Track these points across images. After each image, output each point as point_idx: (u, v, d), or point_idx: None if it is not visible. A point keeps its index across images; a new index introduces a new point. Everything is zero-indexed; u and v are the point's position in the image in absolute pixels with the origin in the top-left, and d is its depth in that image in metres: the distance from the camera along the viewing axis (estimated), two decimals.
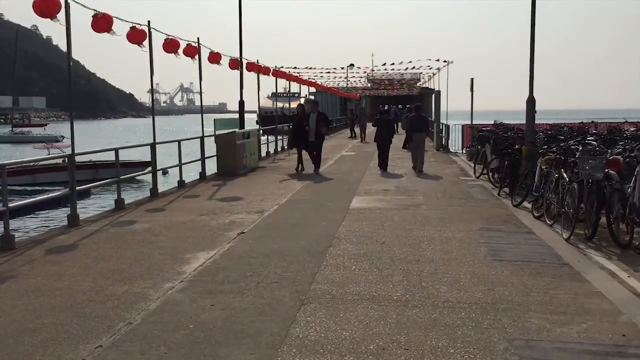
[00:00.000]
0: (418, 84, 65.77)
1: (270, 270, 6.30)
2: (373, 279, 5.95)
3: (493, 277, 5.99)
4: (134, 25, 10.86)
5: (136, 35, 10.98)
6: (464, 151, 22.81)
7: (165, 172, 24.37)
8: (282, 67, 25.14)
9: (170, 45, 12.69)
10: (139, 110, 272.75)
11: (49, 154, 29.58)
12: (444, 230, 8.32)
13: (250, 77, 22.64)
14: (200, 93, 15.38)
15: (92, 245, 7.70)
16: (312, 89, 45.53)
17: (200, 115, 15.43)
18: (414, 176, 15.10)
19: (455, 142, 24.09)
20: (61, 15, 8.53)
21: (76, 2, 8.84)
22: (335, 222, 8.97)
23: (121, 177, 11.19)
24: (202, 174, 15.16)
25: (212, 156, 16.00)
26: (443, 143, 24.43)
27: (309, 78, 32.80)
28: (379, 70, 32.85)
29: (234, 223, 9.05)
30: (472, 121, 20.26)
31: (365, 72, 42.45)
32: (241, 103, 18.79)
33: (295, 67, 27.06)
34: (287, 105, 41.70)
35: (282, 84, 39.28)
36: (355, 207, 10.30)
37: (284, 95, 39.70)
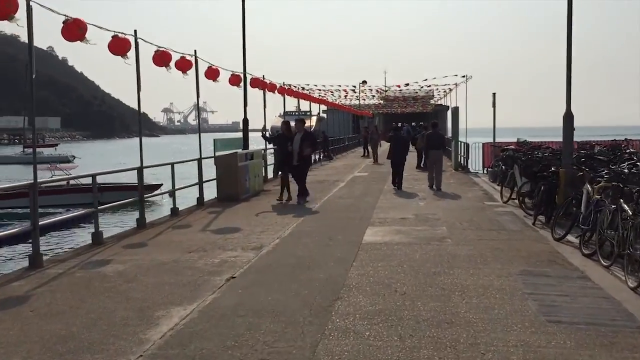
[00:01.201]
0: (432, 101, 64.36)
1: (258, 339, 4.84)
2: (393, 355, 4.47)
3: (554, 353, 4.48)
4: (116, 33, 9.58)
5: (119, 46, 9.68)
6: (485, 172, 21.27)
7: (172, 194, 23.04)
8: (290, 84, 23.84)
9: (161, 58, 11.40)
10: (152, 130, 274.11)
11: (52, 176, 28.57)
12: (478, 274, 6.82)
13: (259, 94, 21.51)
14: (198, 110, 14.08)
15: (46, 297, 6.29)
16: (324, 107, 44.32)
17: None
18: (434, 200, 13.61)
19: (475, 162, 22.56)
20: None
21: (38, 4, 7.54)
22: (345, 262, 7.50)
23: (99, 206, 9.79)
24: (200, 199, 13.78)
25: (212, 179, 14.65)
26: (462, 163, 22.91)
27: (319, 96, 31.50)
28: (391, 87, 31.22)
29: (225, 263, 7.62)
30: (494, 139, 18.78)
31: (377, 89, 40.97)
32: (245, 121, 17.46)
33: (307, 84, 25.78)
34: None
35: (293, 102, 38.11)
36: (369, 242, 8.83)
37: (295, 113, 38.47)
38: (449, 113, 50.80)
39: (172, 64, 11.69)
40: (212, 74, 14.30)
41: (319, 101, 31.47)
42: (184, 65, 12.58)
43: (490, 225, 10.15)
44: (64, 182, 25.83)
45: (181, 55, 12.50)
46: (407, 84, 31.82)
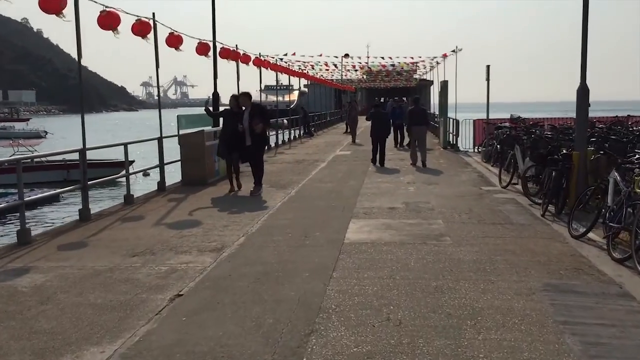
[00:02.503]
0: (415, 76, 62.73)
1: None
2: None
3: None
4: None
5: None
6: (476, 150, 19.88)
7: (146, 173, 21.45)
8: (267, 55, 22.07)
9: (107, 20, 9.69)
10: (131, 104, 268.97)
11: (14, 153, 26.63)
12: (490, 290, 5.37)
13: (243, 68, 19.97)
14: (158, 83, 12.36)
15: None
16: (305, 81, 42.51)
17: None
18: (425, 184, 12.15)
19: (465, 140, 21.12)
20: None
21: None
22: (323, 271, 6.01)
23: (31, 197, 8.16)
24: (161, 184, 12.15)
25: (176, 161, 13.03)
26: (451, 140, 21.49)
27: (299, 69, 29.73)
28: (375, 59, 29.38)
29: (174, 273, 6.09)
30: (487, 115, 17.34)
31: (360, 63, 39.10)
32: (215, 95, 15.76)
33: (285, 55, 23.94)
34: (281, 98, 38.72)
35: (273, 76, 36.20)
36: (353, 240, 7.34)
37: (276, 88, 36.71)
38: (433, 88, 49.33)
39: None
40: (174, 41, 12.55)
41: (299, 75, 29.67)
42: (141, 29, 10.93)
43: (494, 217, 8.71)
44: (44, 159, 24.25)
45: (137, 18, 10.85)
46: (390, 57, 30.01)
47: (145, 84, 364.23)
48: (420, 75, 59.04)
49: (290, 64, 27.03)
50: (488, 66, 16.84)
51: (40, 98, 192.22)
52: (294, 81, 42.74)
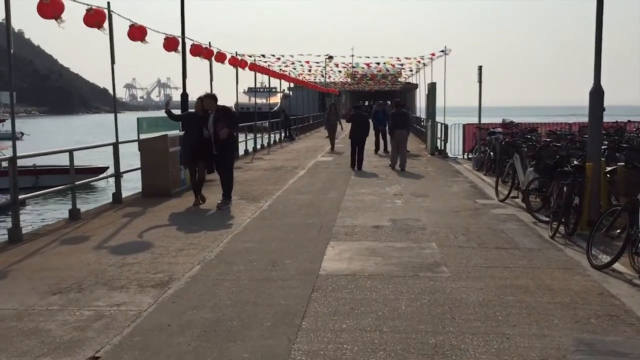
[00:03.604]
0: (400, 79, 61.68)
1: None
2: None
3: None
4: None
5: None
6: (466, 157, 18.70)
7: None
8: (244, 54, 20.68)
9: (50, 8, 8.32)
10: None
11: None
12: (507, 350, 4.08)
13: (226, 69, 19.19)
14: (113, 80, 10.94)
15: None
16: (289, 84, 41.18)
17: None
18: (413, 197, 10.89)
19: (454, 146, 19.92)
20: None
21: None
22: (290, 318, 4.70)
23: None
24: (116, 196, 10.74)
25: (135, 170, 11.66)
26: (439, 146, 20.29)
27: (280, 69, 28.34)
28: (360, 58, 27.97)
29: (99, 320, 4.73)
30: (480, 119, 16.15)
31: (344, 64, 37.60)
32: (184, 96, 14.38)
33: (263, 55, 22.52)
34: (264, 101, 37.26)
35: (256, 77, 34.75)
36: (330, 272, 6.04)
37: (262, 90, 35.34)
38: (419, 91, 48.25)
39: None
40: (136, 33, 11.18)
41: (279, 76, 28.27)
42: (97, 19, 9.60)
43: (496, 239, 7.45)
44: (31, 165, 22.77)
45: (89, 7, 9.50)
46: (376, 57, 28.70)
47: (128, 86, 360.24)
48: (405, 78, 58.03)
49: (270, 64, 25.66)
50: (480, 67, 15.65)
51: (20, 99, 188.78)
52: (277, 84, 41.48)
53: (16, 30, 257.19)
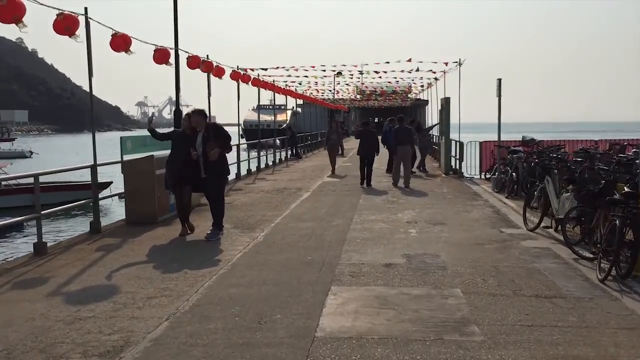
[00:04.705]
0: (410, 95, 60.48)
1: None
2: None
3: None
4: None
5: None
6: (483, 177, 17.37)
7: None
8: (246, 69, 19.52)
9: (8, 11, 7.20)
10: (125, 124, 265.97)
11: None
12: None
13: (230, 85, 18.45)
14: (91, 89, 9.78)
15: None
16: (296, 100, 40.11)
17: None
18: (429, 224, 9.60)
19: (470, 165, 18.60)
20: None
21: None
22: None
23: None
24: (95, 224, 9.51)
25: (116, 195, 10.48)
26: (454, 165, 18.99)
27: (286, 85, 27.22)
28: (369, 73, 26.64)
29: None
30: (499, 137, 14.87)
31: (351, 77, 35.99)
32: (177, 113, 13.21)
33: (265, 69, 21.33)
34: (272, 118, 36.23)
35: (265, 94, 33.71)
36: (330, 333, 4.75)
37: (271, 107, 34.28)
38: (429, 107, 47.00)
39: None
40: (119, 43, 10.07)
41: (284, 92, 27.17)
42: (68, 25, 8.51)
43: (534, 284, 6.14)
44: (11, 182, 21.82)
45: (60, 11, 8.42)
46: (385, 72, 27.36)
47: (140, 104, 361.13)
48: (415, 94, 56.86)
49: (275, 80, 24.53)
50: (499, 80, 14.36)
51: (33, 117, 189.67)
52: (284, 100, 40.40)
53: (30, 50, 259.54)
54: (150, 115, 9.74)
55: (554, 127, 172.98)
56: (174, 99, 13.96)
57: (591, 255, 7.06)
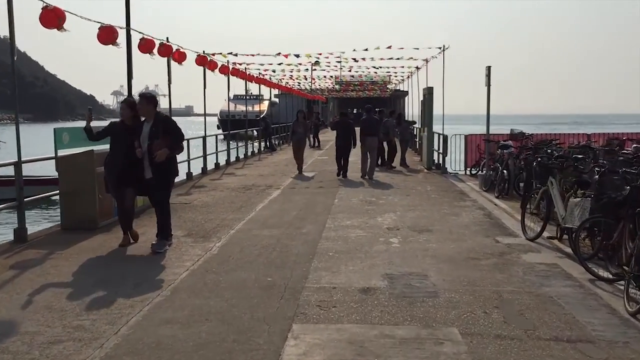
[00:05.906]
0: (389, 86, 59.26)
1: None
2: None
3: None
4: None
5: None
6: (468, 173, 16.17)
7: None
8: (213, 53, 17.94)
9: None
10: (101, 113, 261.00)
11: None
12: None
13: (216, 76, 17.86)
14: (14, 78, 8.29)
15: None
16: (270, 90, 38.51)
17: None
18: (414, 232, 8.30)
19: (454, 159, 17.38)
20: None
21: None
22: None
23: None
24: (20, 232, 8.01)
25: (52, 195, 9.01)
26: (436, 160, 17.77)
27: (259, 74, 25.64)
28: (347, 58, 25.14)
29: None
30: (488, 130, 13.64)
31: (329, 64, 34.28)
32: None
33: (235, 55, 19.76)
34: (250, 108, 34.66)
35: (241, 84, 31.91)
36: None
37: (249, 97, 32.74)
38: (409, 99, 45.79)
39: None
40: (50, 18, 8.55)
41: (258, 80, 25.64)
42: None
43: (549, 319, 4.85)
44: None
45: None
46: (364, 60, 26.00)
47: (116, 93, 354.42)
48: (394, 84, 55.64)
49: (247, 67, 23.01)
50: (489, 67, 13.12)
51: (3, 106, 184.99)
52: (258, 89, 38.82)
53: (2, 37, 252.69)
54: (88, 111, 7.83)
55: (526, 119, 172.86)
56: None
57: (611, 277, 5.82)
